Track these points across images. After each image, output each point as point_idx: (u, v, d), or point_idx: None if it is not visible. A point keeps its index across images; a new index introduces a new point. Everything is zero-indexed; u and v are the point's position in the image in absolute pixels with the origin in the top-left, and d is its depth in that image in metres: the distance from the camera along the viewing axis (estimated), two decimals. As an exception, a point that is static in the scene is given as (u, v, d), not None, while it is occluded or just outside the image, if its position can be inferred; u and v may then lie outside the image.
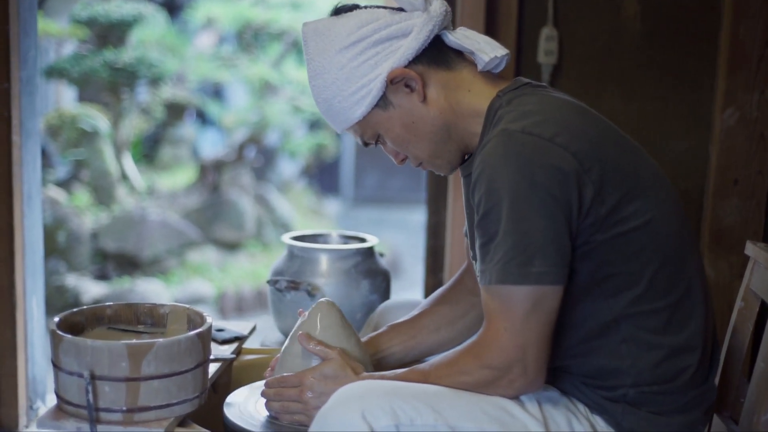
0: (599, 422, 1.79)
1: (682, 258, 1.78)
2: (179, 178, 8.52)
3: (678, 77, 3.19)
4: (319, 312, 2.01)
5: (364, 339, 2.10)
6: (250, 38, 7.71)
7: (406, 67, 1.82)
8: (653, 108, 3.19)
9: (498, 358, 1.69)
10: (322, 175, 10.24)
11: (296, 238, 2.89)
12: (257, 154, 8.64)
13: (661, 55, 3.19)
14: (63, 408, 1.92)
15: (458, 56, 1.88)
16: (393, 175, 11.40)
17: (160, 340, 1.86)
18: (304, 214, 8.79)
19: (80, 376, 1.85)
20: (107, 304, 2.13)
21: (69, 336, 1.87)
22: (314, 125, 8.90)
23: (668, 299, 1.75)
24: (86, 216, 7.00)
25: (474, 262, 1.97)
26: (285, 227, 7.93)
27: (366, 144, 1.95)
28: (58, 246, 6.54)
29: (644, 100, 3.20)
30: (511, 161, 1.65)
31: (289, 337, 2.04)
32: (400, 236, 8.58)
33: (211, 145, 9.84)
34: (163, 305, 2.16)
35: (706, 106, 3.15)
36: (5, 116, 3.24)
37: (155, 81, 7.45)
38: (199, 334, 1.94)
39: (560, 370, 1.83)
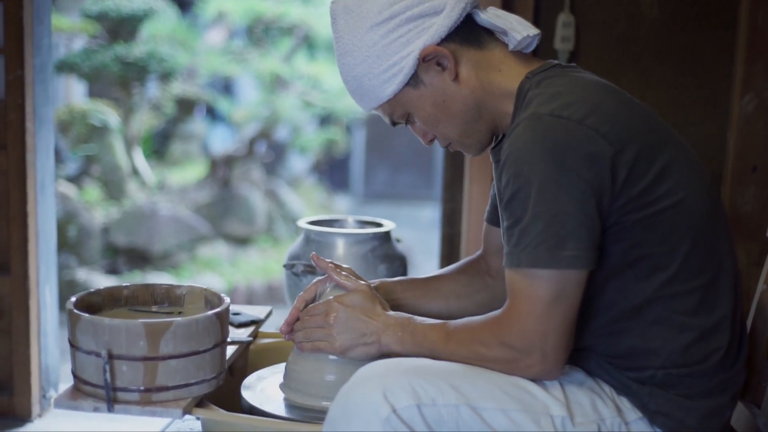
0: (625, 403, 1.77)
1: (714, 238, 1.76)
2: (189, 173, 8.52)
3: (696, 64, 3.17)
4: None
5: (374, 282, 2.08)
6: (260, 33, 7.70)
7: (438, 45, 1.79)
8: (671, 95, 3.17)
9: (518, 340, 1.67)
10: (333, 171, 10.24)
11: (312, 223, 2.87)
12: (268, 149, 8.63)
13: (679, 41, 3.17)
14: (80, 388, 1.89)
15: (489, 35, 1.85)
16: (403, 172, 11.40)
17: (179, 318, 1.84)
18: (314, 210, 8.79)
19: (98, 355, 1.82)
20: (124, 285, 2.11)
21: (86, 315, 1.85)
22: (324, 120, 8.89)
23: (700, 280, 1.73)
24: (97, 211, 7.01)
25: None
26: (295, 222, 7.92)
27: (394, 123, 1.92)
28: (68, 240, 6.54)
29: (662, 87, 3.18)
30: (541, 144, 1.63)
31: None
32: (410, 232, 8.56)
33: (221, 141, 9.84)
34: (180, 286, 2.14)
35: (724, 93, 3.13)
36: (19, 103, 3.24)
37: (166, 76, 7.45)
38: (217, 314, 1.91)
39: (587, 351, 1.81)
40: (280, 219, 7.87)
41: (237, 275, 6.93)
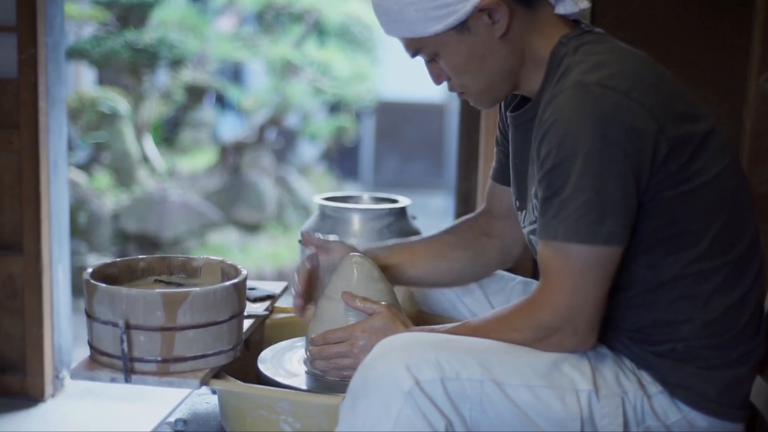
0: (645, 377, 1.75)
1: (742, 215, 1.74)
2: (199, 160, 8.51)
3: (712, 42, 3.14)
4: (354, 267, 1.98)
5: (360, 250, 2.08)
6: (271, 19, 7.68)
7: None
8: (687, 73, 3.13)
9: (549, 317, 1.65)
10: (342, 159, 10.23)
11: (328, 199, 2.86)
12: (278, 137, 8.62)
13: (696, 19, 3.15)
14: (96, 359, 1.89)
15: None
16: (413, 160, 11.37)
17: (196, 289, 1.83)
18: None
19: (115, 325, 1.82)
20: (140, 257, 2.10)
21: (103, 285, 1.84)
22: (334, 108, 8.88)
23: (727, 257, 1.71)
24: (107, 197, 7.00)
25: (516, 209, 1.95)
26: (305, 210, 7.92)
27: (413, 56, 1.86)
28: (79, 227, 6.54)
29: (678, 65, 3.13)
30: (587, 115, 1.59)
31: (322, 296, 2.01)
32: (421, 221, 8.53)
33: (231, 129, 9.82)
34: (196, 258, 2.13)
35: (740, 71, 3.10)
36: (32, 82, 3.23)
37: (176, 63, 7.44)
38: (235, 285, 1.90)
39: (607, 326, 1.79)
40: (290, 206, 7.86)
41: (247, 262, 6.92)
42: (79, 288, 5.27)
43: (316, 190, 8.52)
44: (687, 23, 3.14)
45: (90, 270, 1.94)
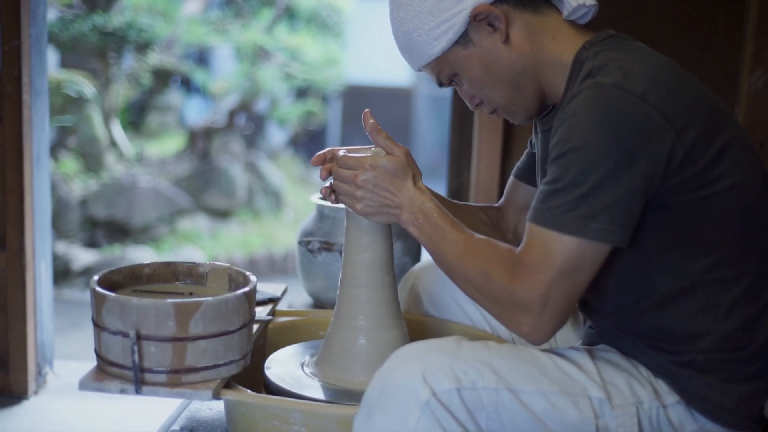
0: (662, 386, 1.74)
1: (763, 224, 1.73)
2: (167, 145, 8.43)
3: (705, 38, 3.14)
4: None
5: None
6: (241, 3, 7.61)
7: (491, 4, 1.75)
8: (679, 69, 3.14)
9: (521, 294, 1.62)
10: (310, 143, 10.17)
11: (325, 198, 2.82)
12: (247, 122, 8.56)
13: (689, 15, 3.14)
14: (105, 369, 1.84)
15: (544, 1, 1.81)
16: (379, 144, 11.34)
17: (209, 298, 1.80)
18: (294, 183, 8.73)
19: (125, 335, 1.78)
20: (146, 263, 2.06)
21: (113, 294, 1.80)
22: (302, 92, 8.83)
23: (747, 266, 1.70)
24: (74, 183, 6.91)
25: None
26: (276, 195, 7.87)
27: (441, 84, 1.89)
28: (47, 213, 6.45)
29: (670, 61, 3.15)
30: (597, 112, 1.59)
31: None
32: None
33: (197, 113, 9.73)
34: (202, 264, 2.09)
35: (733, 68, 3.10)
36: (15, 75, 3.17)
37: (144, 46, 7.35)
38: (246, 293, 1.87)
39: (626, 332, 1.78)
40: (260, 192, 7.81)
41: (217, 248, 6.88)
42: (55, 281, 5.21)
43: (286, 176, 8.48)
44: (680, 19, 3.13)
45: (96, 278, 1.90)
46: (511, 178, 2.23)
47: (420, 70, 1.89)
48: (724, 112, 1.72)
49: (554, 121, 1.71)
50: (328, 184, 1.95)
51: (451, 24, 1.76)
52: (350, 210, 1.95)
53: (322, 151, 1.98)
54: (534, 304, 1.62)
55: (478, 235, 1.77)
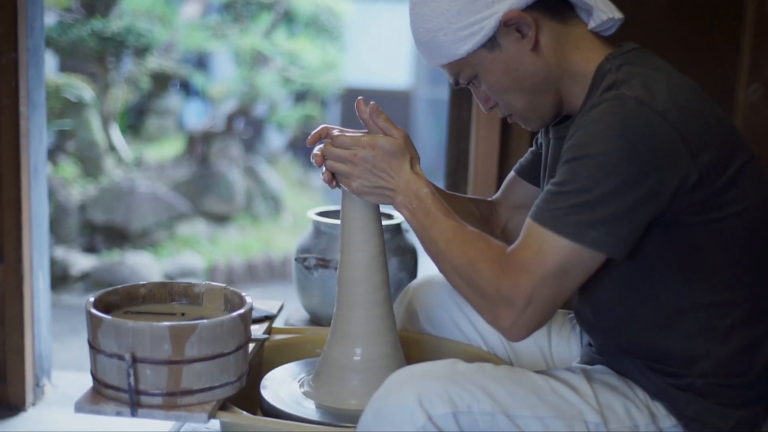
0: (660, 409, 1.74)
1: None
2: (166, 149, 8.42)
3: (702, 51, 3.14)
4: None
5: None
6: (240, 7, 7.61)
7: (522, 11, 1.74)
8: (676, 82, 3.14)
9: (507, 288, 1.63)
10: (308, 148, 10.14)
11: (321, 214, 2.82)
12: (246, 126, 8.55)
13: (685, 28, 3.15)
14: (101, 391, 1.84)
15: (571, 11, 1.81)
16: (378, 147, 11.32)
17: (204, 321, 1.80)
18: (292, 188, 8.72)
19: (120, 358, 1.78)
20: (141, 283, 2.06)
21: (109, 317, 1.80)
22: (300, 97, 8.82)
23: (750, 290, 1.70)
24: (73, 188, 6.90)
25: None
26: (274, 200, 7.87)
27: (458, 84, 1.88)
28: (45, 218, 6.44)
29: (667, 75, 3.15)
30: (617, 125, 1.59)
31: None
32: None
33: (195, 117, 9.73)
34: (197, 284, 2.09)
35: (729, 81, 3.11)
36: (13, 87, 3.16)
37: (143, 51, 7.35)
38: (241, 315, 1.87)
39: (625, 351, 1.78)
40: (259, 196, 7.80)
41: (216, 253, 6.87)
42: (54, 286, 5.19)
43: (285, 180, 8.47)
44: (677, 33, 3.14)
45: (92, 299, 1.90)
46: (511, 174, 2.23)
47: (436, 67, 1.87)
48: (740, 137, 1.72)
49: (570, 129, 1.71)
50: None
51: (481, 26, 1.74)
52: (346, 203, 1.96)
53: (315, 130, 1.96)
54: (518, 301, 1.62)
55: (470, 227, 1.77)
